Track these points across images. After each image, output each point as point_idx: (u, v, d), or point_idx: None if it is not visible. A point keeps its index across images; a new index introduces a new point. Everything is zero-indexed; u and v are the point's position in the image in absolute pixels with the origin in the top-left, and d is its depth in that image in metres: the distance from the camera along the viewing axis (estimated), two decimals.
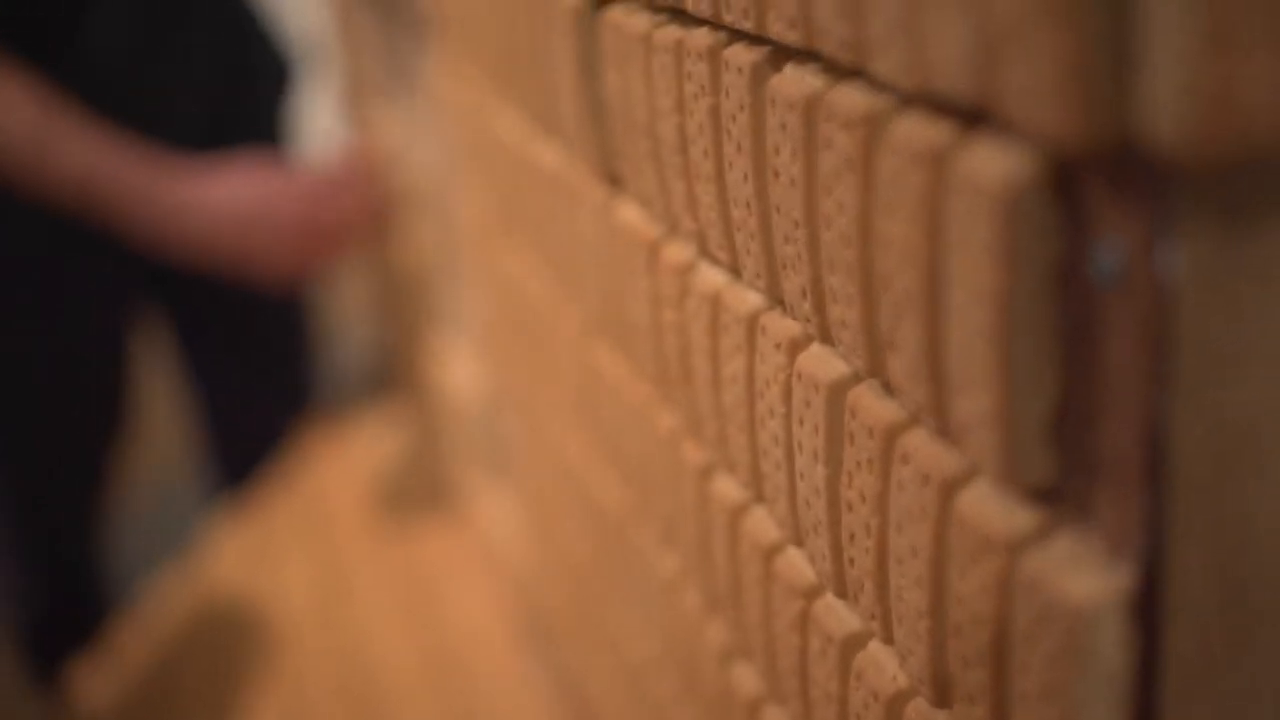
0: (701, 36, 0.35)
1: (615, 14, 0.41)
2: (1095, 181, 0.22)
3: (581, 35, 0.44)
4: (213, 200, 0.99)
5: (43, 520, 1.34)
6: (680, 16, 0.37)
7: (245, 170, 1.00)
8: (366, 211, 1.01)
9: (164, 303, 1.34)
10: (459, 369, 0.89)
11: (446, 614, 0.89)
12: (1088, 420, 0.23)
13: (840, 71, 0.29)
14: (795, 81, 0.30)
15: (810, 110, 0.29)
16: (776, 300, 0.35)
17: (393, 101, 0.94)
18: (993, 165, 0.23)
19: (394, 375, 1.21)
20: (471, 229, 0.69)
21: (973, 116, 0.24)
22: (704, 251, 0.39)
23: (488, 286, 0.69)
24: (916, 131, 0.25)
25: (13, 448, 1.29)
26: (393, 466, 1.10)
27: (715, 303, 0.38)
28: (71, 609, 1.37)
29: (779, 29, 0.30)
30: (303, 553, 1.06)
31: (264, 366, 1.40)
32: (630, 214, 0.44)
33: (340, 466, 1.15)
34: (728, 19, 0.33)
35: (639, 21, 0.39)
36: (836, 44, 0.27)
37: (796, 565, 0.37)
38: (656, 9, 0.38)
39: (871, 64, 0.26)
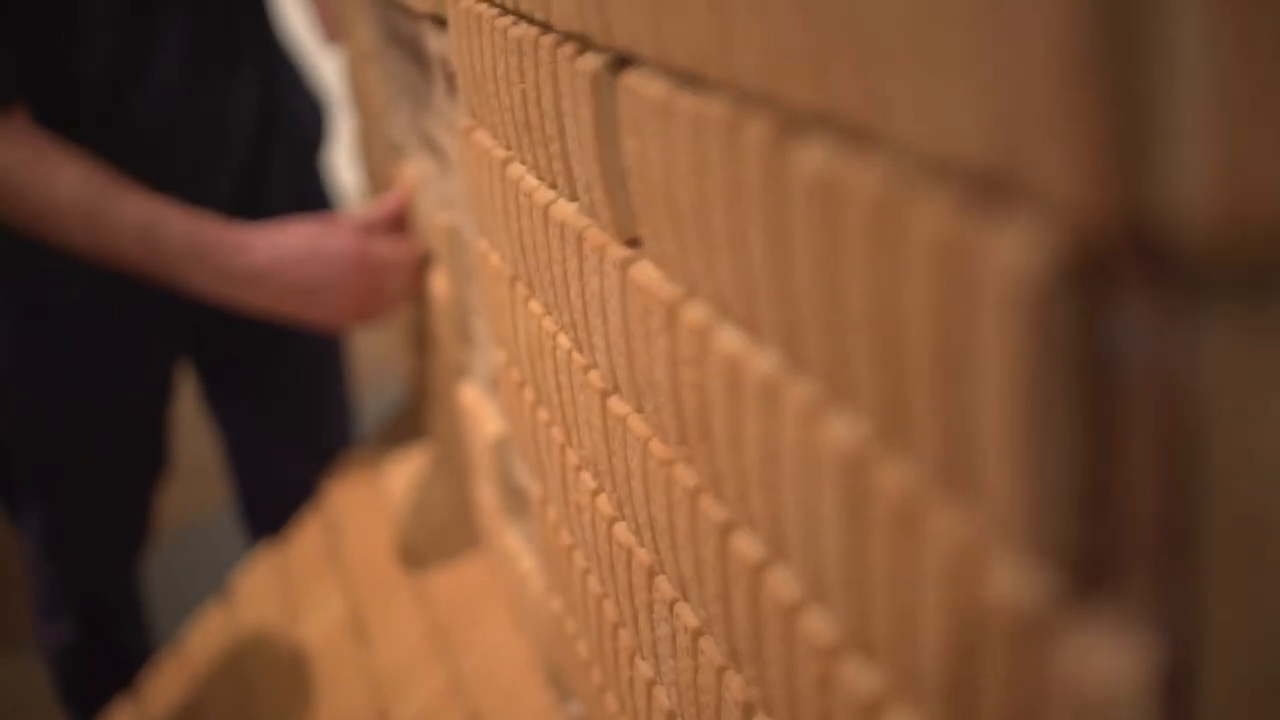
0: (719, 105, 0.36)
1: (633, 80, 0.42)
2: (1118, 264, 0.22)
3: (600, 100, 0.45)
4: (274, 250, 1.00)
5: (84, 563, 1.35)
6: (697, 82, 0.38)
7: (302, 224, 1.02)
8: (417, 256, 1.02)
9: (196, 355, 1.36)
10: (482, 414, 0.90)
11: (471, 653, 0.90)
12: (1113, 504, 0.23)
13: (858, 136, 0.29)
14: (812, 157, 0.31)
15: (828, 190, 0.30)
16: (796, 362, 0.35)
17: (416, 153, 0.95)
18: (1016, 254, 0.23)
19: (423, 417, 1.22)
20: (490, 282, 0.70)
21: (993, 187, 0.25)
22: (723, 313, 0.40)
23: (507, 339, 0.69)
24: (937, 217, 0.26)
25: (58, 492, 1.30)
26: (421, 506, 1.10)
27: (734, 364, 0.38)
28: (109, 651, 1.38)
29: (794, 89, 0.31)
30: (331, 590, 1.07)
31: (295, 420, 1.41)
32: (648, 274, 0.45)
33: (369, 504, 1.16)
34: (745, 83, 0.34)
35: (657, 89, 0.40)
36: (855, 105, 0.28)
37: (818, 624, 0.37)
38: (674, 75, 0.39)
39: (890, 128, 0.27)
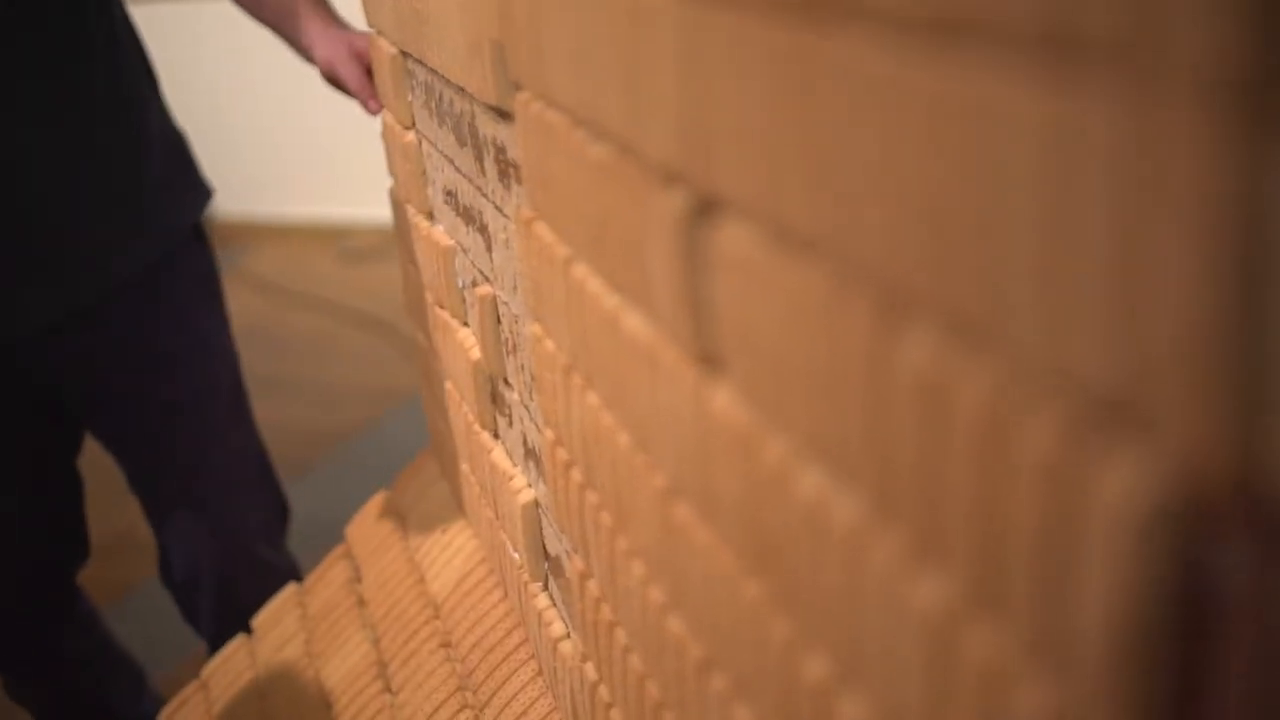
0: (824, 278, 0.39)
1: (729, 235, 0.44)
2: (1224, 505, 0.26)
3: (689, 241, 0.47)
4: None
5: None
6: (798, 239, 0.40)
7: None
8: None
9: (116, 455, 1.42)
10: (513, 477, 0.92)
11: (496, 705, 0.92)
12: None
13: (971, 332, 0.32)
14: (921, 349, 0.34)
15: (935, 387, 0.33)
16: (885, 513, 0.38)
17: (452, 221, 0.98)
18: (1127, 486, 0.27)
19: (443, 465, 1.24)
20: (544, 366, 0.73)
21: (1107, 410, 0.28)
22: (806, 448, 0.43)
23: (558, 422, 0.72)
24: (1049, 437, 0.29)
25: None
26: (446, 550, 1.13)
27: (817, 508, 0.41)
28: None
29: (905, 269, 0.34)
30: (355, 632, 1.09)
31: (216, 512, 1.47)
32: (727, 401, 0.48)
33: (393, 546, 1.18)
34: (853, 256, 0.36)
35: (754, 248, 0.42)
36: (971, 300, 0.31)
37: None
38: (773, 226, 0.42)
39: (1006, 331, 0.30)
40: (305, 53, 1.27)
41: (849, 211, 0.36)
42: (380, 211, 4.21)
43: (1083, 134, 0.26)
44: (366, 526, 1.23)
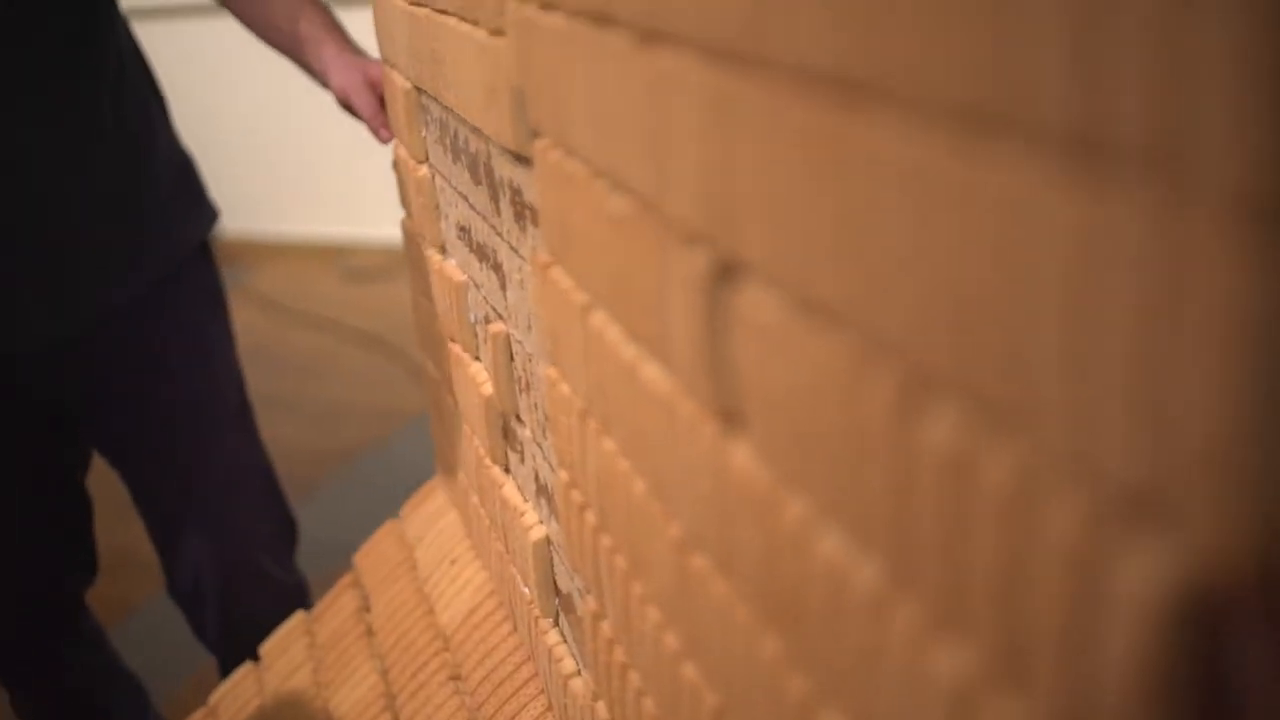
0: (847, 349, 0.39)
1: (751, 299, 0.45)
2: (1246, 598, 0.26)
3: (710, 301, 0.48)
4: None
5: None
6: (821, 311, 0.41)
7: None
8: None
9: (119, 467, 1.43)
10: (524, 512, 0.93)
11: None
12: None
13: (994, 411, 0.33)
14: (943, 429, 0.35)
15: (958, 467, 0.34)
16: (905, 581, 0.39)
17: (464, 257, 0.99)
18: (1149, 575, 0.27)
19: (452, 493, 1.25)
20: (558, 409, 0.73)
21: (1130, 498, 0.28)
22: (827, 512, 0.44)
23: (573, 464, 0.73)
24: (1072, 522, 0.30)
25: None
26: (454, 583, 1.14)
27: (837, 571, 0.42)
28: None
29: (930, 348, 0.35)
30: (364, 662, 1.10)
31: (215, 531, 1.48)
32: (746, 459, 0.49)
33: (401, 575, 1.19)
34: (878, 332, 0.37)
35: (776, 315, 0.43)
36: (994, 381, 0.32)
37: None
38: (795, 294, 0.43)
39: (1031, 415, 0.31)
40: (320, 78, 1.28)
41: (874, 287, 0.36)
42: (383, 231, 4.21)
43: (1111, 237, 0.27)
44: (375, 555, 1.24)
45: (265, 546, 1.49)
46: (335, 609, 1.20)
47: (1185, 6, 0.24)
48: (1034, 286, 0.29)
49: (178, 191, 1.40)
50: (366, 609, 1.18)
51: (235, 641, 1.45)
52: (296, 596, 1.52)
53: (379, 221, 3.95)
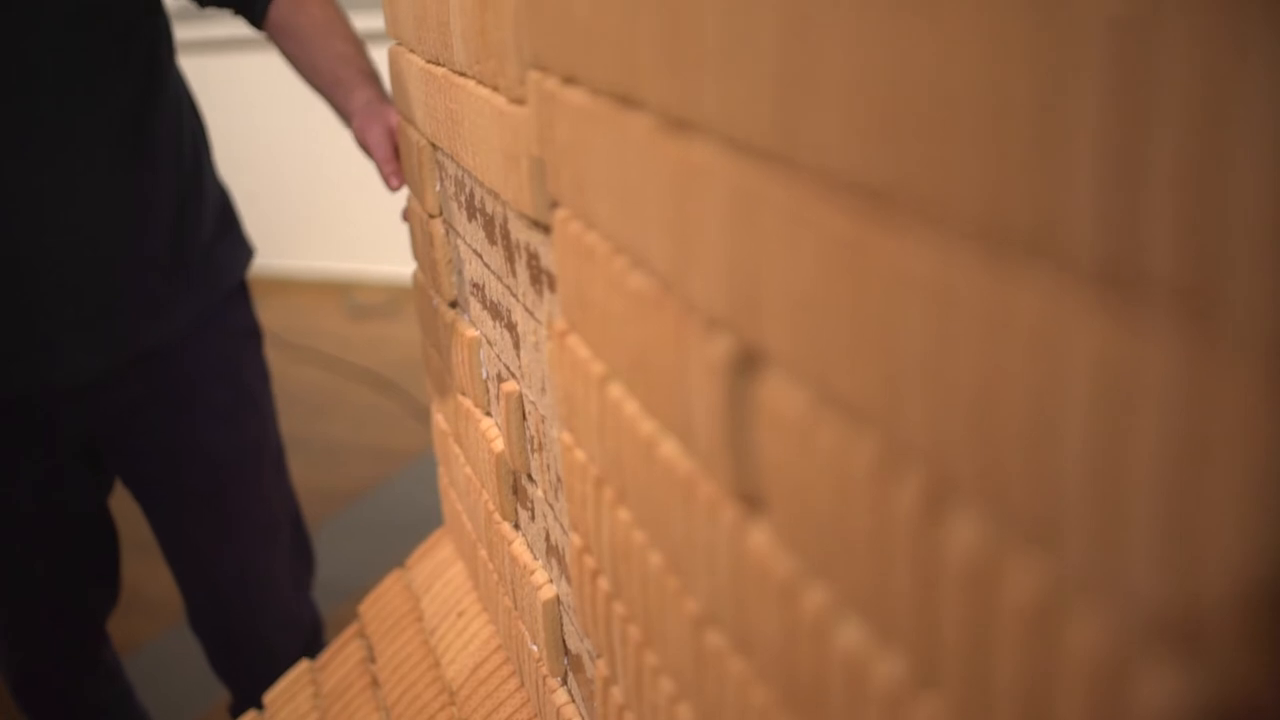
0: (871, 448, 0.40)
1: (773, 392, 0.46)
2: None
3: (732, 390, 0.49)
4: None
5: (32, 667, 1.49)
6: (845, 408, 0.42)
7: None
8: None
9: (148, 505, 1.45)
10: (534, 570, 0.93)
11: None
12: None
13: (1019, 523, 0.34)
14: (968, 530, 0.35)
15: (981, 575, 0.34)
16: (927, 678, 0.40)
17: (477, 313, 1.00)
18: (1170, 699, 0.28)
19: (457, 544, 1.25)
20: (573, 475, 0.74)
21: (1155, 619, 0.29)
22: (847, 602, 0.44)
23: (586, 531, 0.73)
24: (1097, 639, 0.30)
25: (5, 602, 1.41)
26: (460, 636, 1.14)
27: (858, 666, 0.43)
28: None
29: (954, 458, 0.35)
30: (370, 714, 1.10)
31: (220, 532, 1.49)
32: (765, 544, 0.49)
33: (406, 625, 1.19)
34: (901, 435, 0.38)
35: (799, 409, 0.44)
36: (1020, 497, 0.33)
37: None
38: (818, 395, 0.43)
39: (1057, 533, 0.31)
40: (346, 120, 1.30)
41: (896, 392, 0.37)
42: (389, 268, 4.21)
43: (1141, 368, 0.27)
44: (381, 605, 1.24)
45: (293, 584, 1.51)
46: (340, 659, 1.20)
47: (1219, 148, 0.25)
48: (1060, 409, 0.30)
49: (221, 230, 1.43)
50: (372, 659, 1.18)
51: (252, 675, 1.46)
52: (313, 632, 1.54)
53: (384, 257, 3.97)
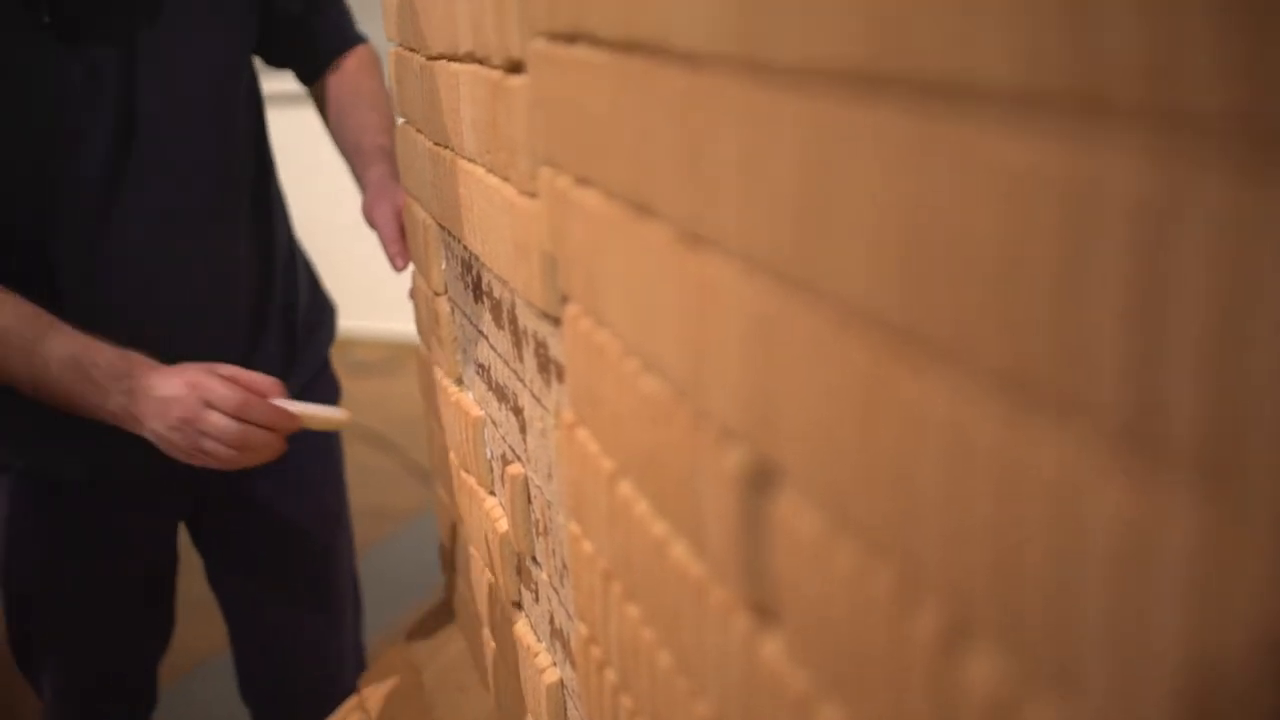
0: (887, 575, 0.40)
1: (788, 510, 0.46)
2: None
3: (745, 502, 0.49)
4: (159, 390, 1.08)
5: None
6: (860, 534, 0.42)
7: (192, 370, 1.09)
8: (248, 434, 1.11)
9: (195, 527, 1.45)
10: (537, 653, 0.93)
11: None
12: None
13: (1036, 659, 0.34)
14: (988, 666, 0.35)
15: (1003, 713, 0.34)
16: None
17: (482, 394, 1.00)
18: None
19: (459, 619, 1.25)
20: (580, 564, 0.74)
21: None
22: None
23: (593, 622, 0.73)
24: None
25: (64, 657, 1.37)
26: (471, 717, 1.13)
27: None
28: None
29: (971, 596, 0.35)
30: None
31: (291, 601, 1.48)
32: (777, 656, 0.49)
33: (407, 699, 1.18)
34: (918, 569, 0.38)
35: (814, 529, 0.44)
36: (1037, 630, 0.33)
37: None
38: (834, 519, 0.44)
39: (1074, 681, 0.32)
40: (361, 189, 1.33)
41: (913, 529, 0.38)
42: (387, 325, 4.21)
43: (1161, 532, 0.28)
44: (381, 682, 1.24)
45: (352, 660, 1.52)
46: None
47: (1241, 315, 0.25)
48: (1079, 563, 0.30)
49: (314, 295, 1.45)
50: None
51: None
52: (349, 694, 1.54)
53: (383, 315, 3.98)
